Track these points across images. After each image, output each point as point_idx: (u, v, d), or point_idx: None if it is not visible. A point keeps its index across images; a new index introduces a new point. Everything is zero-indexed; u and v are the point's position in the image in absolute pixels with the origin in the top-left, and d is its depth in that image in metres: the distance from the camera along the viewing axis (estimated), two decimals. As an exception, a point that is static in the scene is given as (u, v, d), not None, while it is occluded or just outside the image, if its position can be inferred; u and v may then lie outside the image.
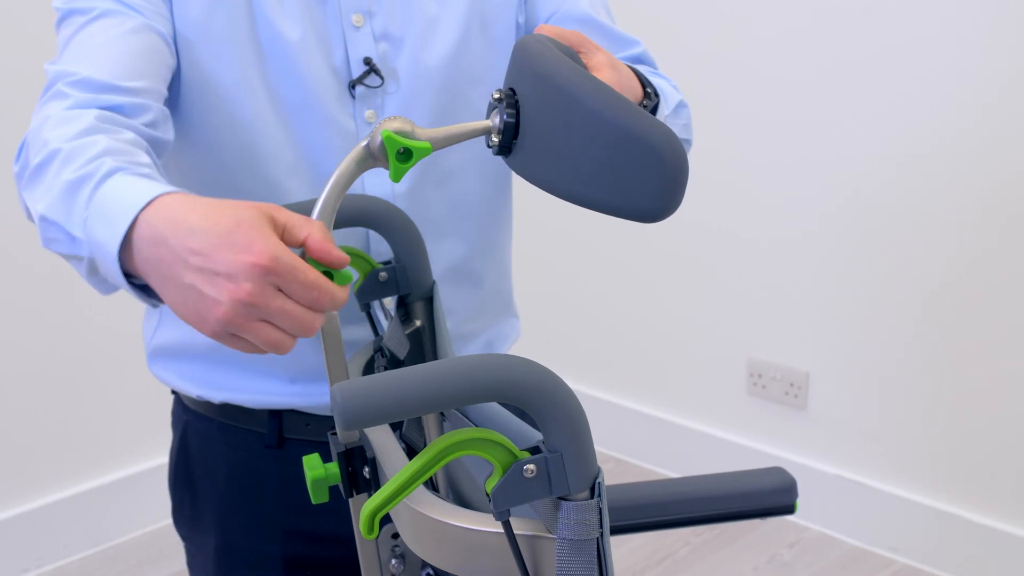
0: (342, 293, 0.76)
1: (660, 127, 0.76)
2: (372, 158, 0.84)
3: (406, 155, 0.83)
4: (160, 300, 0.81)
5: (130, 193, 0.78)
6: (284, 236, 0.76)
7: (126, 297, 0.84)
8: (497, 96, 0.84)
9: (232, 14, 1.05)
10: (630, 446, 2.97)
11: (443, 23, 1.11)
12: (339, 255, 0.77)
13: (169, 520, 2.61)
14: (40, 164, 0.86)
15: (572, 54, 0.89)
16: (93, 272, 0.83)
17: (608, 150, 0.77)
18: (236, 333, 0.74)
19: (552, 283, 3.00)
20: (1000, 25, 2.13)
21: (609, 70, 0.90)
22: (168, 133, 0.99)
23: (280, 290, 0.73)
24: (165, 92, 1.00)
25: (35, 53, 2.09)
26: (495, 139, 0.84)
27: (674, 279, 2.79)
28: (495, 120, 0.84)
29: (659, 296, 2.83)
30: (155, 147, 0.96)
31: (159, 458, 2.68)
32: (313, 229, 0.76)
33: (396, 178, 0.84)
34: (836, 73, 2.38)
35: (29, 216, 0.90)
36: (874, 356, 2.44)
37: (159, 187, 0.78)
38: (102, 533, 2.62)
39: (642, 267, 2.86)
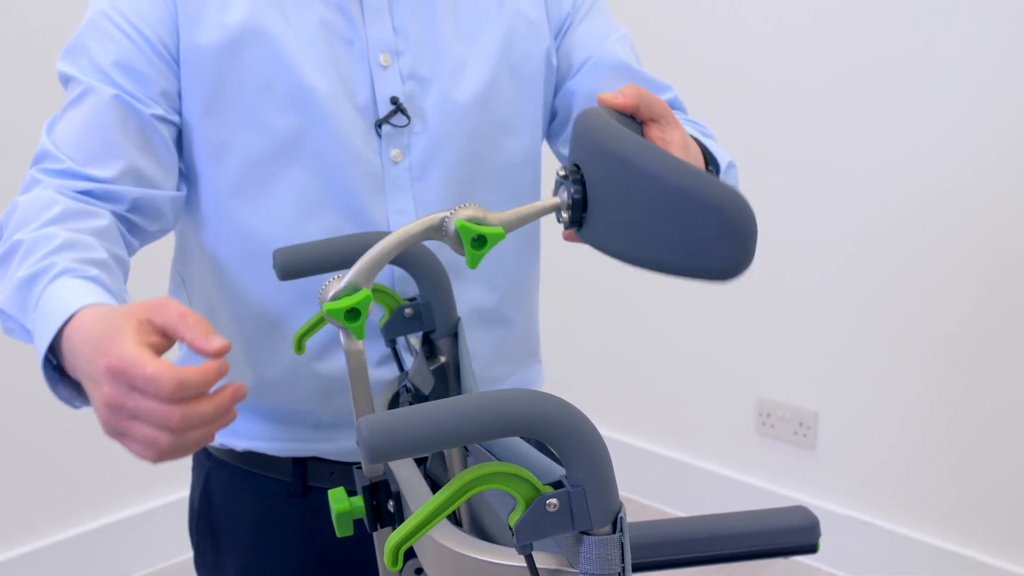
0: (194, 374, 0.74)
1: (724, 188, 0.78)
2: (437, 231, 0.86)
3: (480, 241, 0.85)
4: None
5: (65, 302, 0.84)
6: (166, 334, 0.79)
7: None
8: (563, 173, 0.86)
9: (262, 74, 1.06)
10: (638, 485, 2.96)
11: (472, 63, 1.12)
12: (218, 344, 0.77)
13: (180, 558, 2.63)
14: (7, 252, 0.93)
15: (629, 121, 0.90)
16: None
17: (675, 214, 0.78)
18: (119, 434, 0.77)
19: (560, 322, 3.01)
20: (1019, 67, 2.16)
21: (680, 151, 0.91)
22: (148, 216, 1.04)
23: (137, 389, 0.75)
24: (153, 169, 1.04)
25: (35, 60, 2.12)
26: (565, 215, 0.86)
27: (682, 317, 2.80)
28: (563, 196, 0.86)
29: (667, 335, 2.84)
30: (132, 230, 1.02)
31: (171, 495, 2.69)
32: (188, 325, 0.77)
33: (473, 264, 0.86)
34: (851, 117, 2.40)
35: None
36: (884, 396, 2.45)
37: (86, 299, 0.83)
38: (112, 570, 2.62)
39: (650, 306, 2.87)
